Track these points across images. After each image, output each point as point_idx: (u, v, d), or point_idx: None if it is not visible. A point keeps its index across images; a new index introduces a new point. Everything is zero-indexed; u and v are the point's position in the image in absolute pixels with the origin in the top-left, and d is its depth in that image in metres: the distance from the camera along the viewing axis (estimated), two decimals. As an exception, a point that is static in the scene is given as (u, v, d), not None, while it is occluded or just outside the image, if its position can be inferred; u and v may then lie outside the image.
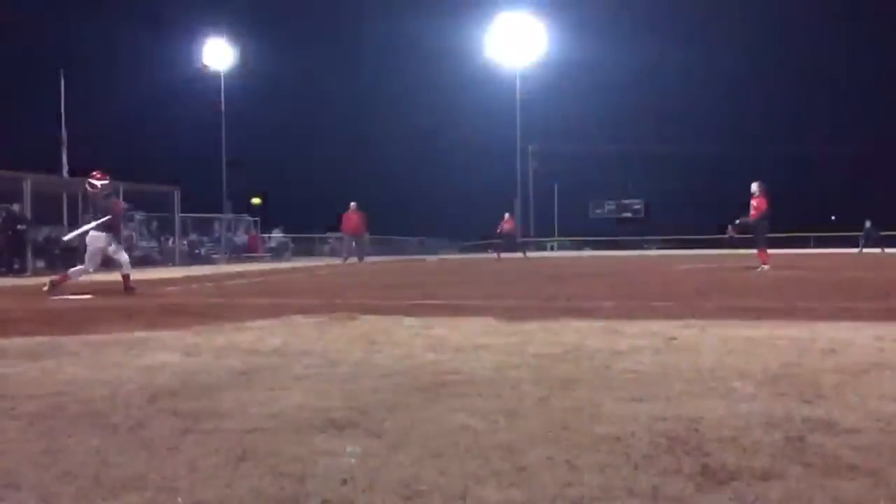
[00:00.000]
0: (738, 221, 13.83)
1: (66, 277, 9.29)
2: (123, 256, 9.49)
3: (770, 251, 14.08)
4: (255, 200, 29.47)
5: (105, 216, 9.31)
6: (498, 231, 27.57)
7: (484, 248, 42.98)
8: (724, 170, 50.46)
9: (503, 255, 26.77)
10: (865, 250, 26.89)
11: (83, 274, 9.41)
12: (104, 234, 9.28)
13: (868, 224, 28.63)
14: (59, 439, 2.38)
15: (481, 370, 3.52)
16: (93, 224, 9.32)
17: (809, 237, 39.20)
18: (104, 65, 49.64)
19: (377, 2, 66.74)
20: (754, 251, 14.05)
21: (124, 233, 10.57)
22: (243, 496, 1.86)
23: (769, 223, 13.79)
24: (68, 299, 8.35)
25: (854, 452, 2.13)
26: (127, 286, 9.26)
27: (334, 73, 66.64)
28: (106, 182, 9.47)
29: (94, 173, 9.46)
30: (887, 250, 26.57)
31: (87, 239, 9.38)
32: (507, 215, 27.90)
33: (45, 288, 9.02)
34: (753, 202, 13.62)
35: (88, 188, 9.44)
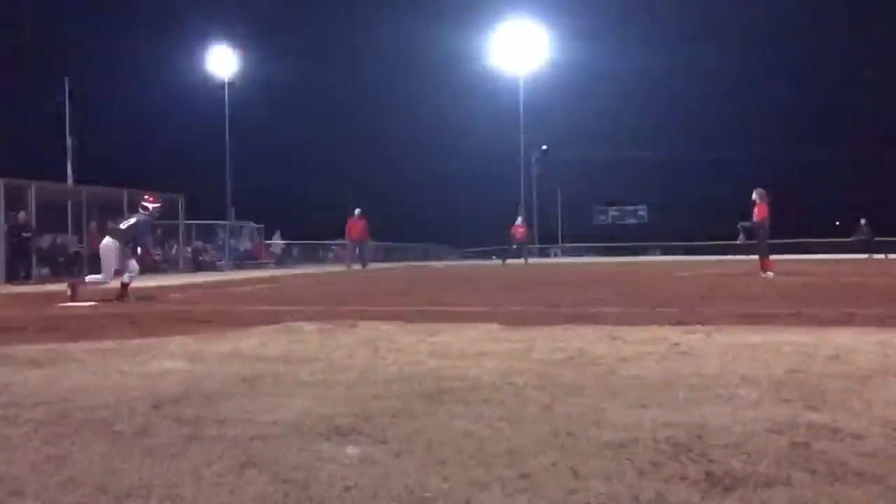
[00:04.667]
0: (742, 224, 13.85)
1: (82, 282, 9.36)
2: (133, 264, 9.47)
3: (774, 257, 14.07)
4: (544, 147, 29.88)
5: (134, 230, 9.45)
6: (515, 241, 27.17)
7: (488, 255, 43.01)
8: (728, 174, 50.45)
9: (509, 260, 26.51)
10: (871, 255, 26.58)
11: (101, 284, 9.43)
12: (115, 242, 9.32)
13: (863, 222, 28.15)
14: (64, 446, 2.38)
15: (485, 377, 3.51)
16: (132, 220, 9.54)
17: (813, 242, 39.08)
18: (109, 73, 49.88)
19: (381, 9, 66.95)
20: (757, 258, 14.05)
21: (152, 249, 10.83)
22: (247, 503, 1.86)
23: (768, 230, 13.79)
24: (72, 306, 8.37)
25: (859, 458, 2.13)
26: (122, 294, 9.20)
27: (338, 80, 66.87)
28: (158, 205, 9.80)
29: (148, 196, 9.78)
30: (889, 256, 26.27)
31: (101, 250, 9.44)
32: (519, 220, 27.56)
33: (69, 293, 9.09)
34: (755, 209, 13.63)
35: (141, 210, 9.62)
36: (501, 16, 44.27)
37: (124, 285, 9.32)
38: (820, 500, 1.82)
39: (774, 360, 3.81)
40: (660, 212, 55.91)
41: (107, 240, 9.44)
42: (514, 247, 27.53)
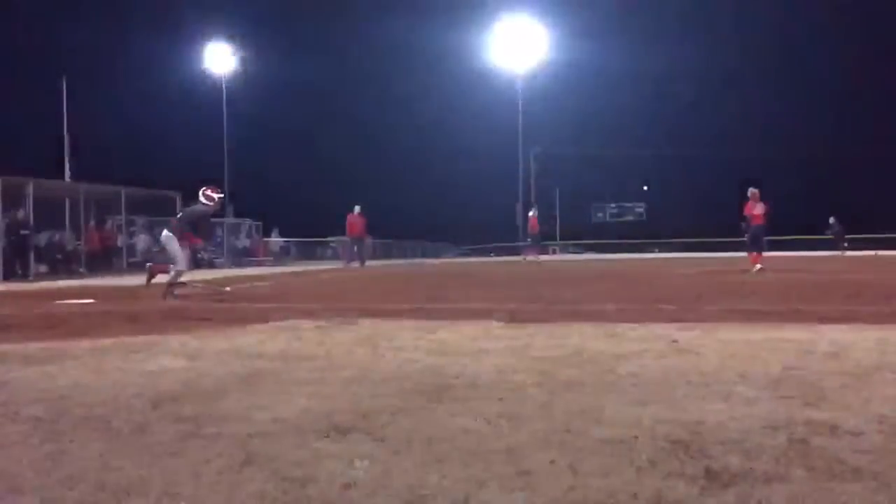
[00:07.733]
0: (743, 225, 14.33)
1: (163, 269, 9.15)
2: (180, 255, 9.11)
3: (772, 254, 14.31)
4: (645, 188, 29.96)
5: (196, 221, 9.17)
6: (530, 235, 26.98)
7: (487, 252, 43.01)
8: (727, 173, 50.40)
9: (530, 257, 26.25)
10: (843, 252, 26.39)
11: (181, 273, 9.15)
12: (171, 234, 9.06)
13: (832, 220, 27.68)
14: (62, 444, 2.38)
15: (484, 374, 3.52)
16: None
17: (811, 240, 39.00)
18: (106, 70, 49.81)
19: (379, 7, 66.92)
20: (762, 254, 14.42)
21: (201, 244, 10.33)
22: (246, 501, 1.86)
23: (757, 227, 14.16)
24: (71, 304, 8.36)
25: (857, 455, 2.13)
26: (148, 281, 9.48)
27: (336, 78, 66.80)
28: (221, 195, 9.28)
29: (209, 188, 9.13)
30: (845, 252, 26.21)
31: (163, 241, 9.17)
32: (533, 212, 27.39)
33: (167, 297, 8.85)
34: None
35: (204, 199, 9.10)
36: (499, 14, 44.15)
37: (150, 276, 9.51)
38: (818, 496, 1.82)
39: (773, 357, 3.82)
40: (659, 210, 55.88)
41: (165, 231, 9.21)
42: (528, 240, 27.40)
